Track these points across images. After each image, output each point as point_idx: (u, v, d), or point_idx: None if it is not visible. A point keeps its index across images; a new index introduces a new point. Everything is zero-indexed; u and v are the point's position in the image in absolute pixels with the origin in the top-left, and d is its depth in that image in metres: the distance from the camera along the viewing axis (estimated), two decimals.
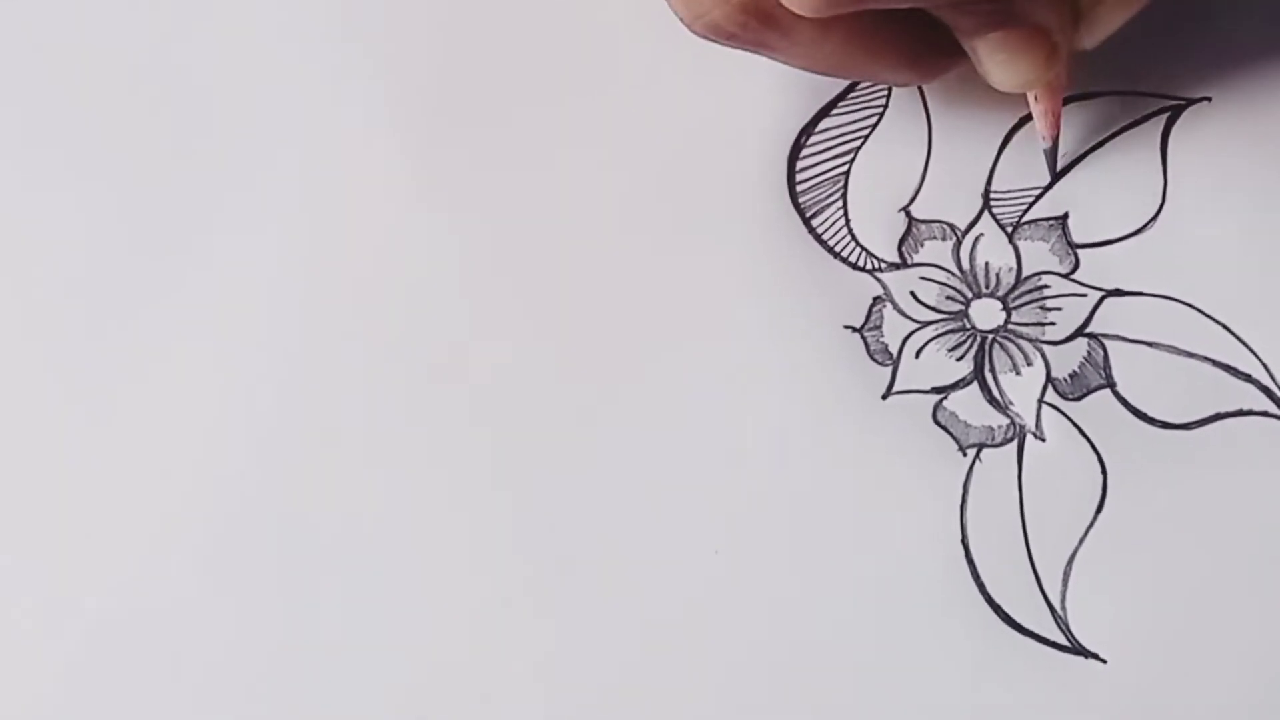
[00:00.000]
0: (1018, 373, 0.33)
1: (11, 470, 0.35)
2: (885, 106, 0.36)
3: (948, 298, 0.34)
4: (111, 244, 0.36)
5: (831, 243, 0.35)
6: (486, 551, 0.33)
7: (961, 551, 0.32)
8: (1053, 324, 0.34)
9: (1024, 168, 0.35)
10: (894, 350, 0.34)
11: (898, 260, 0.35)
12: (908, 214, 0.35)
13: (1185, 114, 0.35)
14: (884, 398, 0.33)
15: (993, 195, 0.35)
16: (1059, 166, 0.35)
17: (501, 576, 0.33)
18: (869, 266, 0.35)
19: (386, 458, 0.34)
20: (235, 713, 0.32)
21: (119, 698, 0.33)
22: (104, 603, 0.33)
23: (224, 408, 0.35)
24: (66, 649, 0.33)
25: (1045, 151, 0.34)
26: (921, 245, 0.35)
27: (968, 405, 0.33)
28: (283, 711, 0.32)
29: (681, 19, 0.30)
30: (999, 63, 0.31)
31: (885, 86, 0.36)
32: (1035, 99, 0.33)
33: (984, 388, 0.33)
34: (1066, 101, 0.35)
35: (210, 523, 0.34)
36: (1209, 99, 0.35)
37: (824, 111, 0.36)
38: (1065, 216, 0.34)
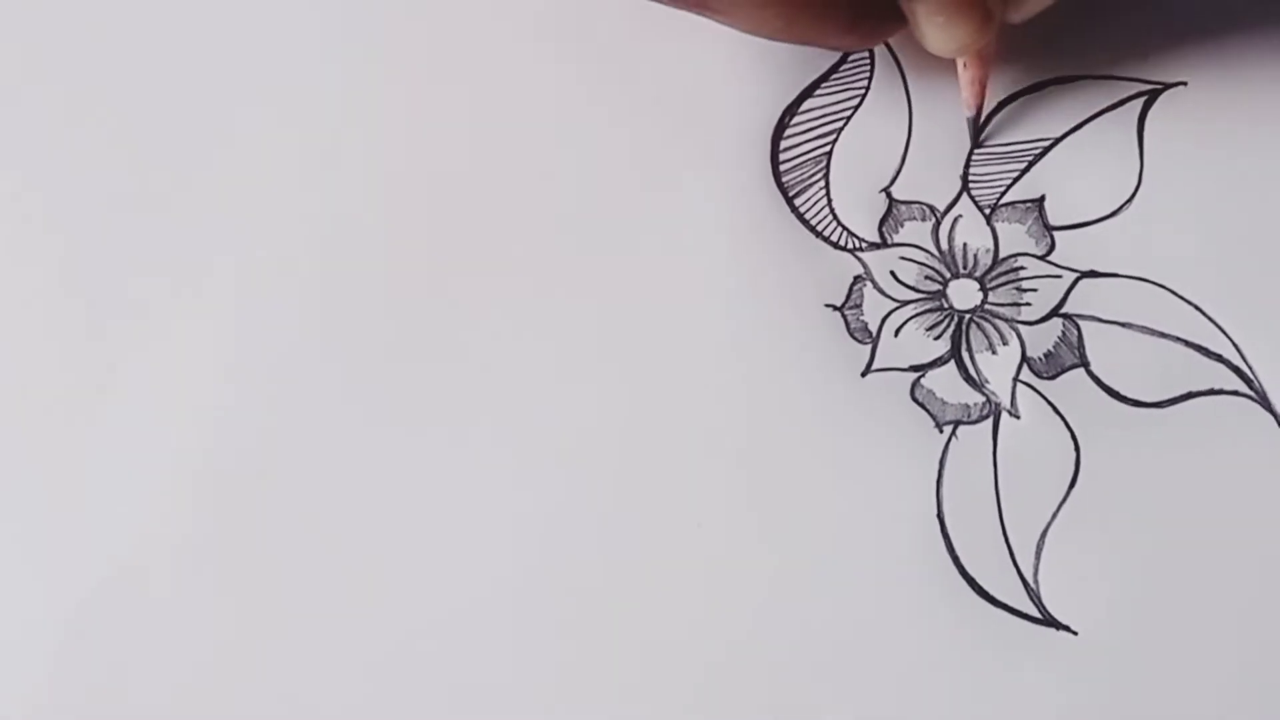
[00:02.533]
0: (994, 352, 0.34)
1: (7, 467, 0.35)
2: (867, 88, 0.36)
3: (926, 278, 0.35)
4: (105, 240, 0.36)
5: (814, 222, 0.35)
6: (474, 530, 0.33)
7: (937, 526, 0.32)
8: (1028, 304, 0.34)
9: (1002, 149, 0.35)
10: (873, 329, 0.34)
11: (878, 240, 0.35)
12: (888, 195, 0.35)
13: (1162, 97, 0.35)
14: (863, 375, 0.34)
15: (971, 178, 0.35)
16: (981, 136, 0.35)
17: (485, 552, 0.33)
18: (850, 246, 0.35)
19: (384, 455, 0.34)
20: (226, 708, 0.32)
21: (105, 690, 0.33)
22: (91, 596, 0.33)
23: (211, 403, 0.35)
24: (52, 644, 0.33)
25: (968, 120, 0.35)
26: (901, 226, 0.35)
27: (945, 383, 0.34)
28: (275, 708, 0.32)
29: None
30: (936, 26, 0.32)
31: (866, 67, 0.36)
32: (964, 66, 0.34)
33: (961, 366, 0.34)
34: (1045, 85, 0.35)
35: (199, 519, 0.34)
36: (1185, 83, 0.35)
37: (807, 92, 0.36)
38: (1042, 199, 0.35)
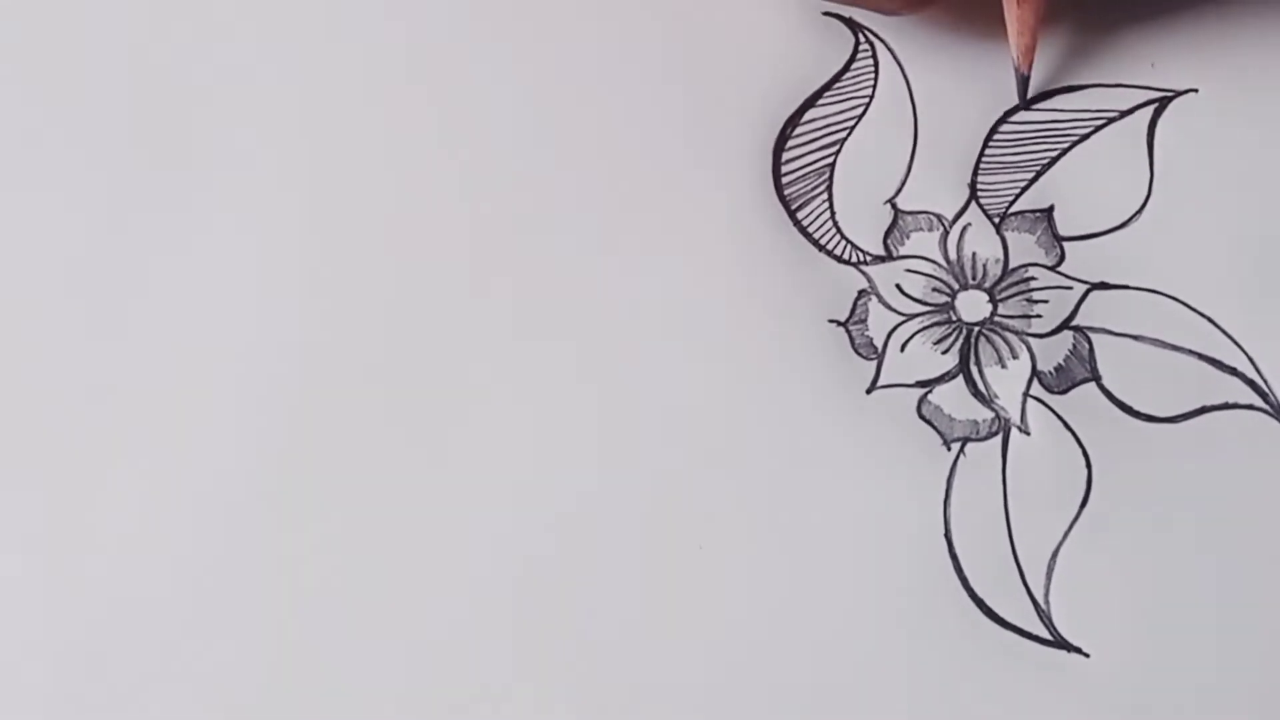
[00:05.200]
0: (1003, 366, 0.33)
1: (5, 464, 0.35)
2: (871, 97, 0.35)
3: (934, 290, 0.34)
4: (99, 236, 0.36)
5: (816, 235, 0.35)
6: (471, 547, 0.33)
7: (945, 546, 0.32)
8: (1039, 316, 0.34)
9: (1010, 158, 0.35)
10: (879, 344, 0.34)
11: (883, 253, 0.35)
12: (893, 206, 0.35)
13: (1172, 105, 0.35)
14: (868, 392, 0.33)
15: (980, 186, 0.35)
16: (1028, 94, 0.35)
17: (485, 573, 0.33)
18: (854, 259, 0.34)
19: (384, 454, 0.34)
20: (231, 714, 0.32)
21: (113, 697, 0.33)
22: (96, 600, 0.33)
23: (217, 397, 0.35)
24: (60, 648, 0.33)
25: (1017, 73, 0.34)
26: (907, 237, 0.35)
27: (953, 399, 0.33)
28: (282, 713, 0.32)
29: None
30: None
31: (870, 75, 0.35)
32: (1016, 1, 0.33)
33: (969, 381, 0.33)
34: (1054, 93, 0.35)
35: (202, 525, 0.34)
36: (1196, 91, 0.35)
37: (810, 102, 0.35)
38: (1051, 209, 0.34)
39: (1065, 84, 0.35)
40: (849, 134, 0.35)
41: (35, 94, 0.37)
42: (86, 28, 0.38)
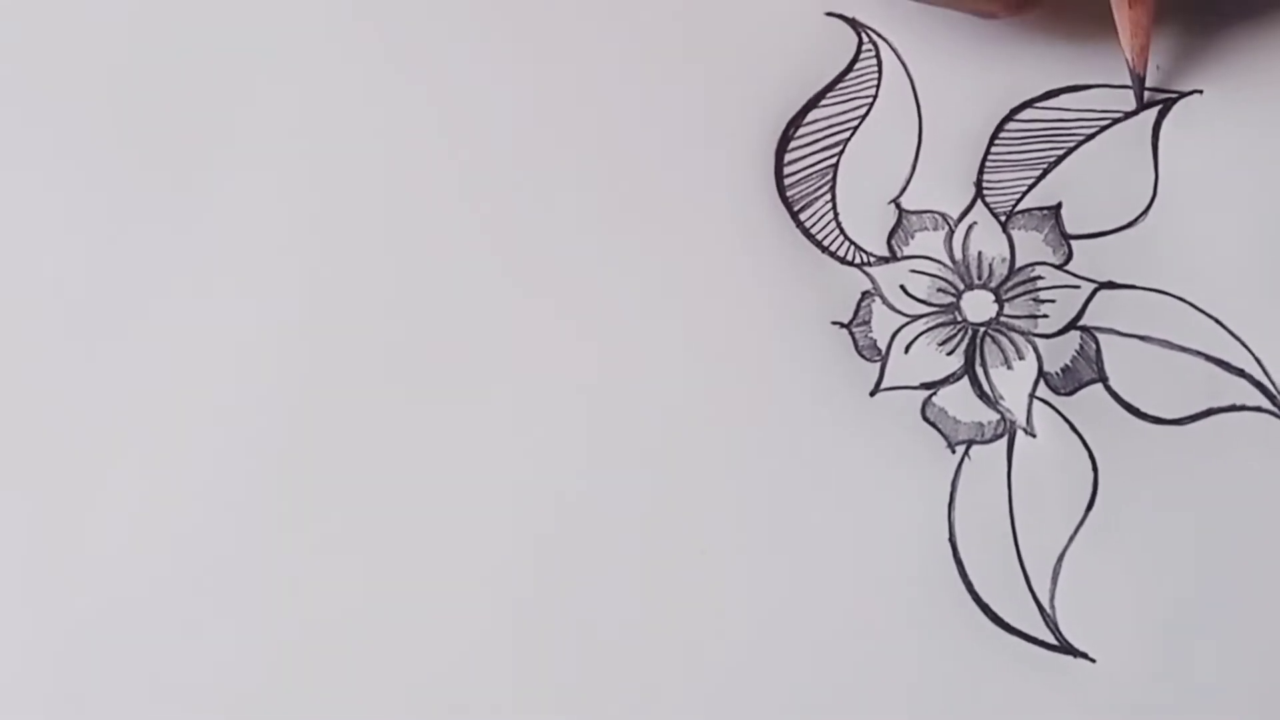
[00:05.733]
0: (1009, 367, 0.33)
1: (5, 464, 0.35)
2: (874, 97, 0.35)
3: (939, 290, 0.34)
4: (98, 236, 0.36)
5: (819, 237, 0.34)
6: (471, 549, 0.33)
7: (949, 550, 0.32)
8: (1045, 316, 0.33)
9: (1016, 157, 0.35)
10: (882, 345, 0.34)
11: (887, 254, 0.34)
12: (898, 206, 0.35)
13: (1176, 106, 0.34)
14: (872, 394, 0.33)
15: (985, 184, 0.34)
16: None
17: (486, 574, 0.33)
18: (857, 261, 0.34)
19: (384, 455, 0.34)
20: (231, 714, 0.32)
21: (113, 698, 0.33)
22: (93, 601, 0.33)
23: (219, 398, 0.35)
24: (60, 648, 0.33)
25: (1132, 74, 0.34)
26: (912, 237, 0.34)
27: (957, 401, 0.33)
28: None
29: None
30: None
31: (874, 75, 0.35)
32: (1129, 3, 0.33)
33: (974, 382, 0.33)
34: (1057, 93, 0.35)
35: (204, 527, 0.34)
36: (1200, 92, 0.35)
37: (812, 103, 0.35)
38: (1059, 206, 0.34)
39: (1071, 84, 0.35)
40: (852, 134, 0.35)
41: (35, 95, 0.37)
42: (86, 28, 0.38)
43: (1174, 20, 0.35)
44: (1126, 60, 0.34)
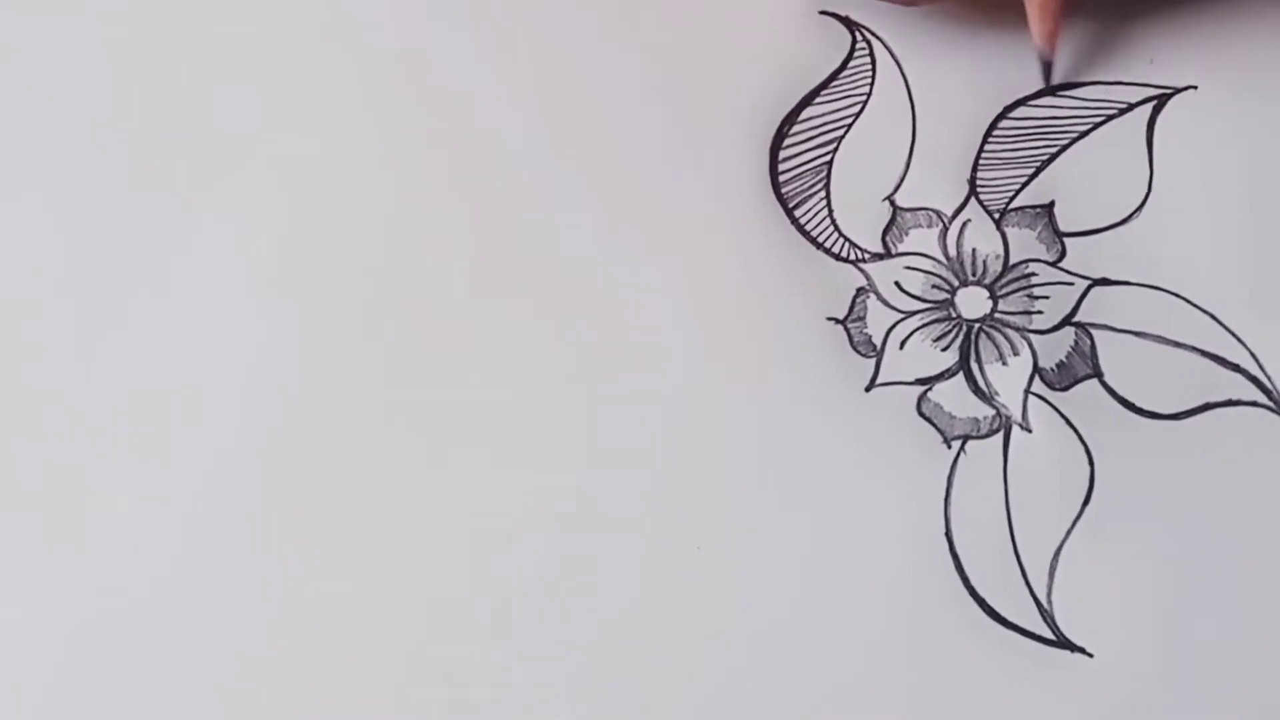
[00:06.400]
0: (1004, 362, 0.33)
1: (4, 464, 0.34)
2: (868, 95, 0.35)
3: (933, 286, 0.34)
4: (95, 239, 0.36)
5: (814, 234, 0.34)
6: (470, 548, 0.33)
7: (945, 545, 0.32)
8: (1040, 312, 0.34)
9: (1009, 154, 0.35)
10: (878, 341, 0.34)
11: (882, 250, 0.34)
12: (892, 203, 0.35)
13: (1171, 102, 0.35)
14: (867, 390, 0.33)
15: (979, 182, 0.35)
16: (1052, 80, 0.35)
17: (484, 574, 0.33)
18: (852, 257, 0.34)
19: (383, 455, 0.34)
20: (224, 711, 0.32)
21: (112, 698, 0.33)
22: (91, 595, 0.33)
23: (212, 400, 0.34)
24: (59, 648, 0.33)
25: (1040, 59, 0.34)
26: (906, 234, 0.34)
27: (953, 396, 0.33)
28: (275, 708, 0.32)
29: None
30: None
31: (868, 73, 0.35)
32: None
33: (970, 378, 0.33)
34: (1053, 90, 0.35)
35: (201, 520, 0.34)
36: (1195, 87, 0.35)
37: (806, 101, 0.35)
38: (1052, 204, 0.34)
39: (1064, 80, 0.35)
40: (846, 131, 0.35)
41: (35, 95, 0.37)
42: (86, 29, 0.38)
43: (1158, 14, 0.35)
44: (1035, 45, 0.34)
